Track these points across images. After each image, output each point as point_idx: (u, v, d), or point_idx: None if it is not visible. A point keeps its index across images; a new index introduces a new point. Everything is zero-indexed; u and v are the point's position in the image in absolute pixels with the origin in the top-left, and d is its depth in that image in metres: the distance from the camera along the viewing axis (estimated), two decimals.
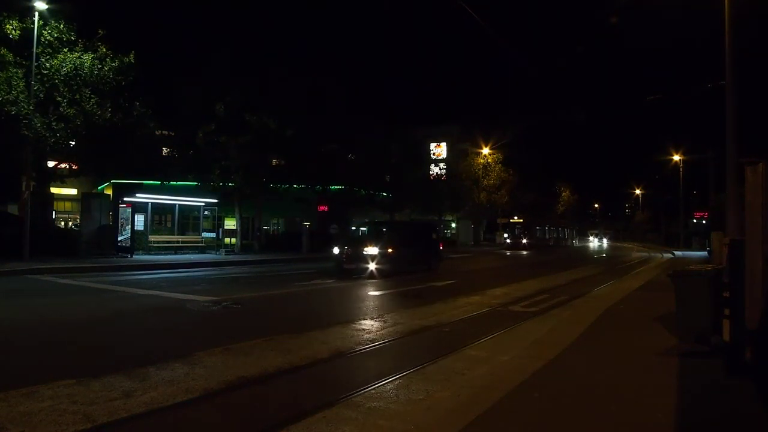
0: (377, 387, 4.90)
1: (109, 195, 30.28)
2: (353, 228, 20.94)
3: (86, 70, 19.39)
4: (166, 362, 5.57)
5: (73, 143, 20.51)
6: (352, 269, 16.47)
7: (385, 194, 41.02)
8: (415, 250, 18.72)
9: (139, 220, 23.80)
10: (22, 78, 18.15)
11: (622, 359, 6.12)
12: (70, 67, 19.12)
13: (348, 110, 32.07)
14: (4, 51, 17.92)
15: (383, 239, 17.17)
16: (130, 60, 20.53)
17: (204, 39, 68.87)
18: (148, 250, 23.91)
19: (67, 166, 22.99)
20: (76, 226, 31.94)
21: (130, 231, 22.43)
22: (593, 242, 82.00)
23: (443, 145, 56.82)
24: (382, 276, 15.91)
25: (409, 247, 18.19)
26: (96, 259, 19.73)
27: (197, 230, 27.32)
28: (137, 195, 24.65)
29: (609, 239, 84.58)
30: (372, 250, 16.38)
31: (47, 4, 18.17)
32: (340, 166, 32.99)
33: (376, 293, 12.64)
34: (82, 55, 19.43)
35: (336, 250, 17.27)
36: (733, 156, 8.48)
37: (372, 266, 16.17)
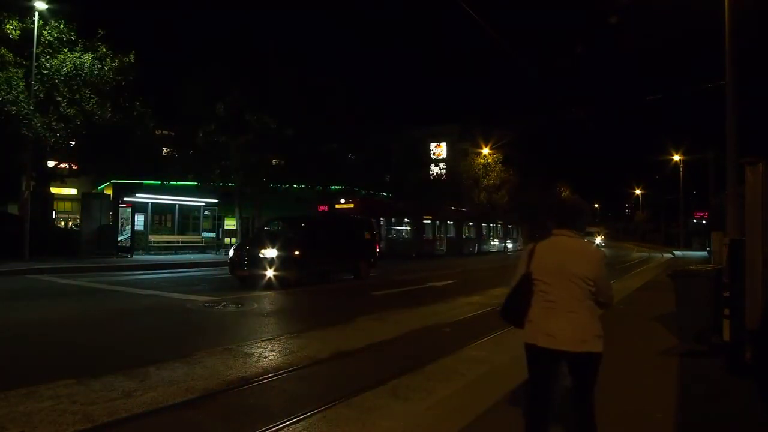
0: (374, 390, 4.90)
1: (109, 195, 30.22)
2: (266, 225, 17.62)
3: (86, 70, 19.37)
4: (166, 362, 5.57)
5: (73, 143, 20.53)
6: (245, 276, 13.43)
7: (385, 194, 41.03)
8: (338, 253, 15.61)
9: (139, 220, 23.80)
10: (22, 78, 18.12)
11: (621, 359, 6.10)
12: (70, 67, 19.09)
13: (348, 110, 32.06)
14: (4, 51, 17.90)
15: (287, 238, 13.94)
16: (130, 60, 20.52)
17: (204, 39, 68.80)
18: (148, 250, 23.90)
19: (67, 166, 23.01)
20: (76, 226, 31.88)
21: (130, 231, 22.41)
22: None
23: (443, 145, 56.89)
24: (284, 286, 12.93)
25: (329, 248, 15.07)
26: (96, 259, 19.71)
27: (197, 230, 27.31)
28: (137, 195, 24.64)
29: (606, 241, 66.44)
30: (270, 252, 13.16)
31: (47, 4, 18.16)
32: (340, 166, 33.00)
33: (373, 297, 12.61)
34: (82, 55, 19.40)
35: (231, 252, 14.44)
36: (733, 156, 8.45)
37: (270, 273, 13.03)
